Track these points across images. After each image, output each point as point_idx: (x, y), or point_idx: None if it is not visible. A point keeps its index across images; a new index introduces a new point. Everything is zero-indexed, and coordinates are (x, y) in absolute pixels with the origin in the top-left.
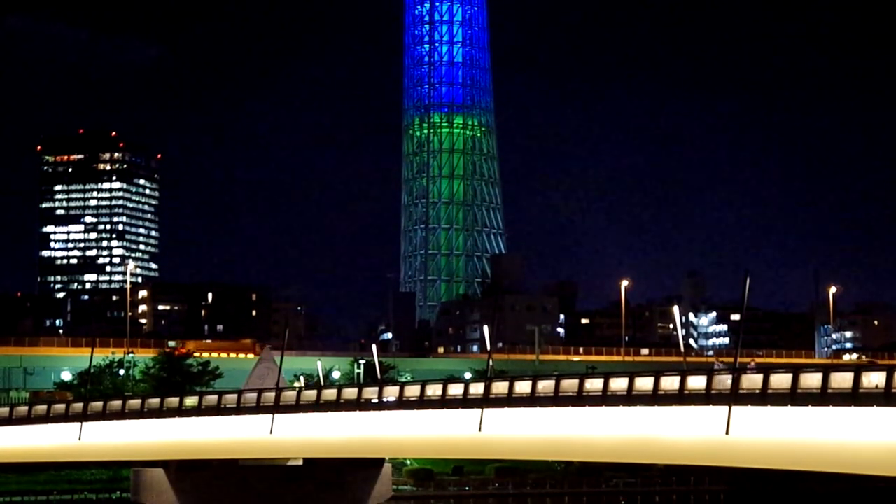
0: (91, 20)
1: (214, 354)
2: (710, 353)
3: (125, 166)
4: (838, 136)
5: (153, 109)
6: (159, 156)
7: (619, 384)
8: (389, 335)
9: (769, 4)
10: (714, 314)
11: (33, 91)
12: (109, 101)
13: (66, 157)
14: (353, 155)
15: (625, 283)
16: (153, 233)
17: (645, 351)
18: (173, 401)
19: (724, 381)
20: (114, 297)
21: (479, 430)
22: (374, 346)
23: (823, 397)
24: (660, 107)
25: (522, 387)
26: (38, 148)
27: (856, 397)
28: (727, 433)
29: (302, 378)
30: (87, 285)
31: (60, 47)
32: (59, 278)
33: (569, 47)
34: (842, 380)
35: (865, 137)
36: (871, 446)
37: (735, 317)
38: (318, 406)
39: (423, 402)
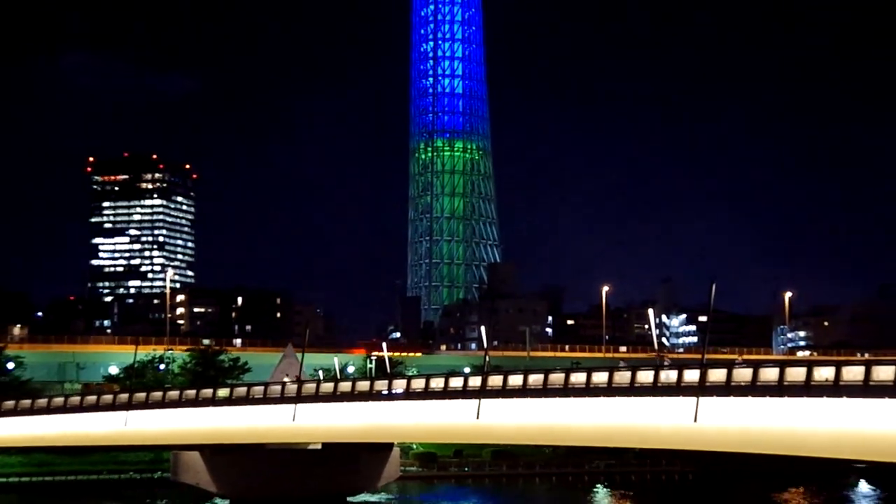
0: (137, 56)
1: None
2: (681, 349)
3: (165, 185)
4: (796, 159)
5: (190, 135)
6: (195, 176)
7: (600, 377)
8: (398, 334)
9: (741, 34)
10: (684, 316)
11: (85, 118)
12: (151, 128)
13: (112, 177)
14: (366, 175)
15: (605, 288)
16: (189, 244)
17: (623, 348)
18: (207, 392)
19: (691, 373)
20: (155, 301)
21: (477, 417)
22: (383, 344)
23: (780, 389)
24: (639, 132)
25: (515, 380)
26: (89, 169)
27: (808, 389)
28: (695, 421)
29: (321, 372)
30: (132, 290)
31: (109, 80)
32: (107, 284)
33: (557, 81)
34: (796, 374)
35: (819, 157)
36: (822, 432)
37: (702, 318)
38: (335, 397)
39: (427, 394)
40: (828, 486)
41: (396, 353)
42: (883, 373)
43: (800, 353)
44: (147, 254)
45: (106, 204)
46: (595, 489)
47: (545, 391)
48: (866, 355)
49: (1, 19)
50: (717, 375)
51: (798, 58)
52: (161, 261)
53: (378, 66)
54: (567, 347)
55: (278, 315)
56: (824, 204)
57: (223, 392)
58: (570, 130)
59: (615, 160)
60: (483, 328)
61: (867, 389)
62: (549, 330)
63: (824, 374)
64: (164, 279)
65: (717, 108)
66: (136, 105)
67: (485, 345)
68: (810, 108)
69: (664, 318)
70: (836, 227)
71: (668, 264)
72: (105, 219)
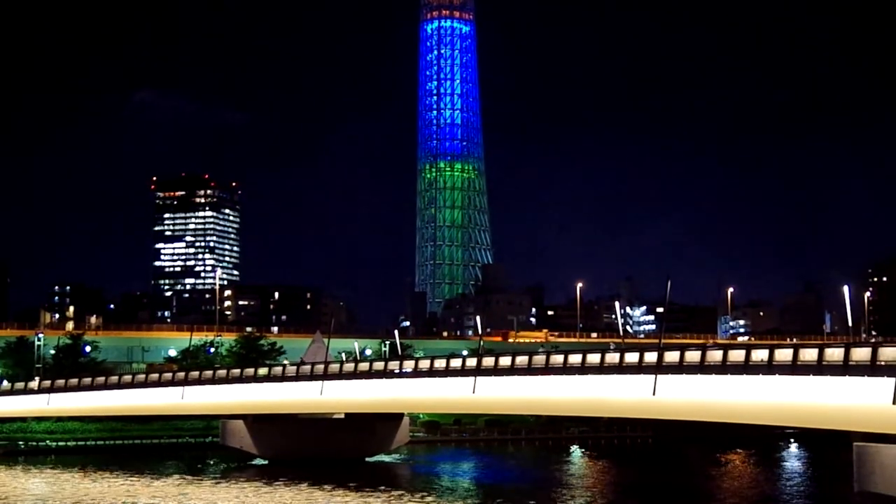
0: (195, 93)
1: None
2: (642, 335)
3: (215, 199)
4: (739, 178)
5: (237, 158)
6: (240, 192)
7: (575, 359)
8: (407, 323)
9: (696, 75)
10: (644, 307)
11: (150, 144)
12: (204, 152)
13: (172, 193)
14: (382, 191)
15: (579, 284)
16: (235, 248)
17: (594, 334)
18: (250, 371)
19: (650, 355)
20: (206, 295)
21: (473, 392)
22: (395, 331)
23: (724, 368)
24: (609, 153)
25: (504, 361)
26: (153, 187)
27: (747, 368)
28: (654, 394)
29: (343, 354)
30: (187, 287)
31: (171, 112)
32: (167, 282)
33: (539, 113)
34: (737, 355)
35: (757, 175)
36: (759, 403)
37: (659, 309)
38: (355, 375)
39: (431, 372)
40: (764, 449)
41: (406, 339)
42: (808, 354)
43: (740, 339)
44: (200, 256)
45: (166, 215)
46: (571, 451)
47: (530, 370)
48: (794, 340)
49: (83, 62)
50: (671, 357)
51: (740, 86)
52: (211, 262)
53: (391, 101)
54: (547, 333)
55: (308, 307)
56: (762, 213)
57: (263, 371)
58: (550, 153)
59: (588, 178)
60: (478, 318)
61: (795, 368)
62: (532, 319)
63: (760, 355)
64: (214, 277)
65: (673, 133)
66: (192, 133)
67: (479, 332)
68: (749, 130)
69: (628, 309)
70: (771, 233)
71: (631, 264)
72: (165, 228)
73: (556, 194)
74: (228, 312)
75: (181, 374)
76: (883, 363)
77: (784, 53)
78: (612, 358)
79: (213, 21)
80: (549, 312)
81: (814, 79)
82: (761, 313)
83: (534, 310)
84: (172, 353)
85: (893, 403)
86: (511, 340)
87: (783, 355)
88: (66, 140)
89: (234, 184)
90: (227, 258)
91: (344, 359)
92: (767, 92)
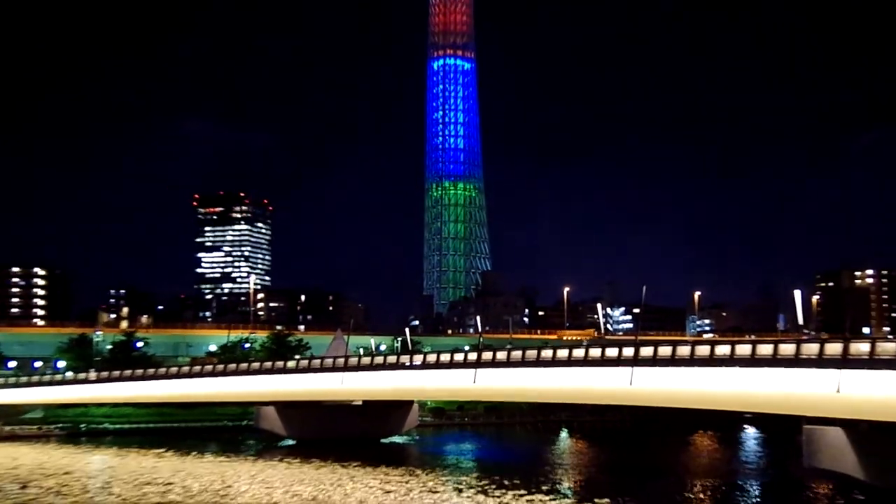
0: (232, 119)
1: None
2: (620, 333)
3: (249, 214)
4: (706, 198)
5: (268, 177)
6: (271, 208)
7: (562, 353)
8: (416, 322)
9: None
10: (623, 308)
11: (193, 166)
12: (240, 172)
13: (212, 209)
14: (393, 207)
15: (567, 288)
16: (267, 257)
17: (578, 333)
18: (280, 364)
19: (628, 350)
20: (242, 298)
21: (474, 382)
22: (406, 330)
23: (691, 361)
24: (595, 172)
25: (501, 355)
26: (195, 203)
27: (711, 361)
28: (631, 384)
29: (361, 350)
30: (225, 290)
31: (211, 136)
32: (207, 286)
33: (532, 138)
34: (703, 350)
35: (721, 192)
36: (722, 392)
37: (636, 310)
38: (372, 367)
39: (438, 364)
40: (725, 430)
41: (415, 336)
42: (764, 349)
43: (705, 336)
44: (236, 264)
45: (207, 228)
46: (559, 434)
47: (523, 363)
48: (752, 337)
49: (139, 94)
50: (646, 352)
51: (709, 112)
52: (246, 269)
53: (402, 128)
54: (539, 331)
55: (330, 308)
56: (726, 227)
57: (291, 363)
58: (542, 174)
59: (575, 195)
60: (478, 318)
61: (753, 361)
62: (525, 319)
63: (723, 350)
64: (248, 282)
65: (648, 160)
66: (229, 157)
67: (479, 330)
68: (713, 163)
69: (609, 310)
70: (733, 244)
71: (612, 270)
72: (206, 239)
73: (547, 210)
74: (261, 313)
75: (220, 367)
76: (828, 357)
77: (740, 87)
78: (595, 353)
79: (248, 60)
80: (540, 313)
81: (763, 111)
82: (724, 314)
83: (527, 310)
84: (213, 348)
85: (837, 392)
86: (507, 337)
87: (743, 350)
88: (123, 163)
89: (265, 201)
90: (259, 265)
91: (361, 353)
92: (730, 118)
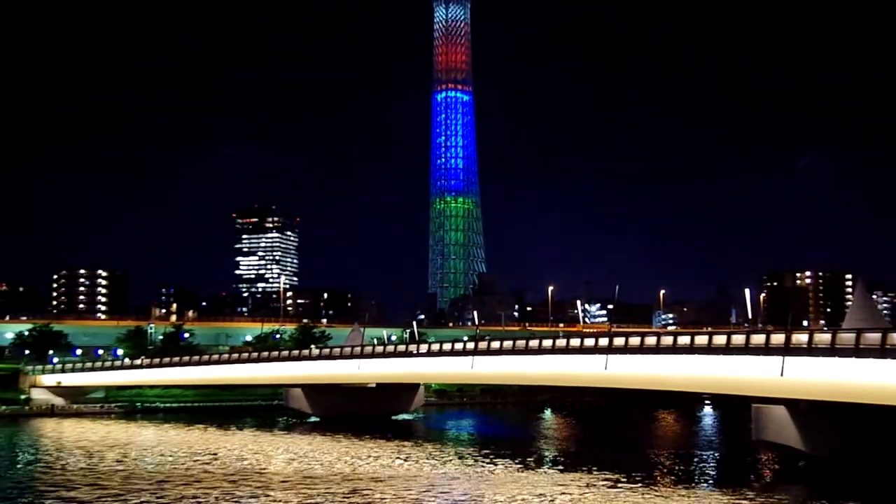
0: (264, 144)
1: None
2: (597, 325)
3: (280, 224)
4: (673, 208)
5: (295, 193)
6: (298, 219)
7: (547, 343)
8: (422, 316)
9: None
10: (599, 304)
11: (232, 183)
12: (272, 188)
13: (248, 220)
14: (403, 218)
15: (551, 287)
16: (295, 260)
17: (561, 324)
18: (306, 352)
19: (603, 340)
20: (273, 296)
21: (472, 367)
22: (413, 323)
23: (657, 350)
24: (576, 187)
25: (494, 344)
26: (234, 215)
27: (674, 349)
28: (606, 369)
29: (375, 340)
30: (259, 289)
31: (245, 159)
32: (244, 286)
33: (523, 159)
34: (667, 340)
35: (686, 205)
36: (683, 376)
37: (610, 306)
38: (384, 354)
39: (441, 353)
40: (686, 409)
41: (421, 328)
42: (719, 340)
43: (669, 328)
44: (268, 267)
45: (244, 236)
46: (544, 412)
47: (514, 351)
48: (709, 329)
49: (190, 122)
50: (619, 342)
51: (671, 136)
52: (277, 271)
53: (410, 150)
54: (527, 324)
55: (349, 304)
56: (688, 234)
57: (315, 352)
58: (530, 189)
59: (559, 207)
60: (475, 313)
61: (709, 349)
62: (515, 314)
63: (684, 340)
64: (279, 282)
65: (621, 176)
66: (262, 174)
67: (476, 323)
68: (676, 173)
69: (587, 306)
70: (693, 249)
71: (589, 272)
72: (243, 245)
73: (535, 220)
74: (290, 308)
75: (255, 354)
76: (773, 346)
77: (697, 105)
78: (575, 342)
79: (283, 97)
80: (528, 308)
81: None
82: (685, 309)
83: (516, 307)
84: (248, 338)
85: (781, 376)
86: (500, 329)
87: (701, 340)
88: (175, 182)
89: (293, 214)
90: (288, 268)
91: (375, 343)
92: (691, 140)
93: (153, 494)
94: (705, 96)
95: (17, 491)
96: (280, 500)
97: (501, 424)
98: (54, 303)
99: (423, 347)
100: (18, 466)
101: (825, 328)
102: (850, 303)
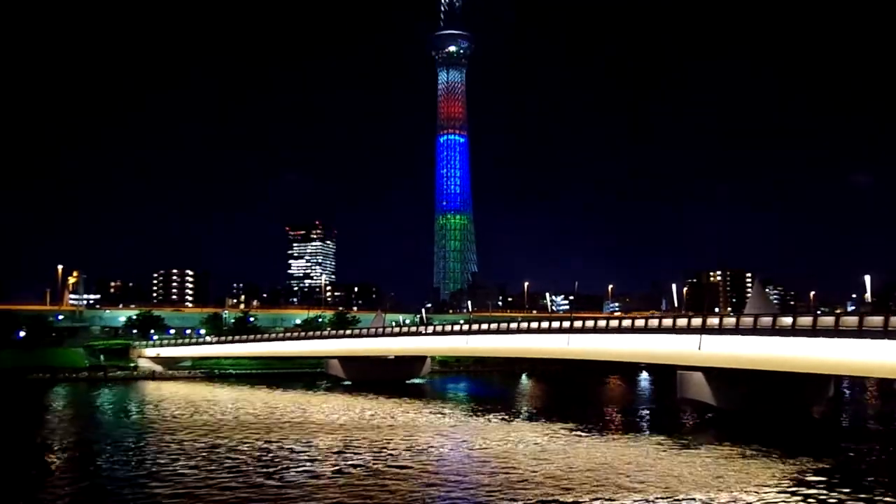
0: (309, 172)
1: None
2: (561, 312)
3: (321, 235)
4: (620, 223)
5: (334, 210)
6: (335, 231)
7: (523, 325)
8: (429, 305)
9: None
10: (563, 296)
11: (286, 204)
12: (315, 207)
13: (297, 232)
14: (414, 230)
15: (527, 283)
16: (332, 263)
17: (534, 311)
18: (342, 332)
19: (566, 323)
20: (317, 289)
21: (467, 343)
22: (423, 310)
23: (607, 330)
24: (546, 209)
25: (484, 326)
26: (287, 228)
27: (619, 330)
28: (568, 345)
29: (394, 322)
30: (306, 284)
31: (296, 183)
32: (294, 282)
33: (505, 186)
34: (614, 323)
35: (632, 217)
36: (626, 349)
37: (571, 297)
38: (400, 333)
39: (443, 333)
40: (628, 375)
41: (428, 314)
42: (652, 322)
43: (615, 314)
44: (313, 267)
45: (295, 244)
46: (521, 378)
47: (498, 331)
48: (646, 315)
49: (246, 156)
50: (578, 324)
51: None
52: (319, 271)
53: (420, 179)
54: (508, 311)
55: (374, 296)
56: (629, 242)
57: (348, 332)
58: (511, 207)
59: (533, 222)
60: (469, 302)
61: (646, 329)
62: (500, 303)
63: (626, 323)
64: (321, 279)
65: (578, 198)
66: (308, 196)
67: (469, 310)
68: (624, 191)
69: (554, 297)
70: (633, 252)
71: (556, 271)
72: (294, 251)
73: (515, 232)
74: (329, 299)
75: (302, 333)
76: (693, 327)
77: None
78: (545, 325)
79: (325, 134)
80: (509, 299)
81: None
82: (627, 300)
83: (500, 298)
84: (298, 321)
85: (699, 349)
86: (488, 315)
87: (639, 323)
88: (244, 203)
89: (331, 227)
90: (328, 268)
91: (393, 325)
92: (630, 175)
93: (232, 432)
94: (651, 146)
95: (133, 429)
96: (322, 440)
97: (489, 387)
98: (154, 294)
99: (430, 329)
100: (133, 414)
101: (731, 314)
102: (749, 295)
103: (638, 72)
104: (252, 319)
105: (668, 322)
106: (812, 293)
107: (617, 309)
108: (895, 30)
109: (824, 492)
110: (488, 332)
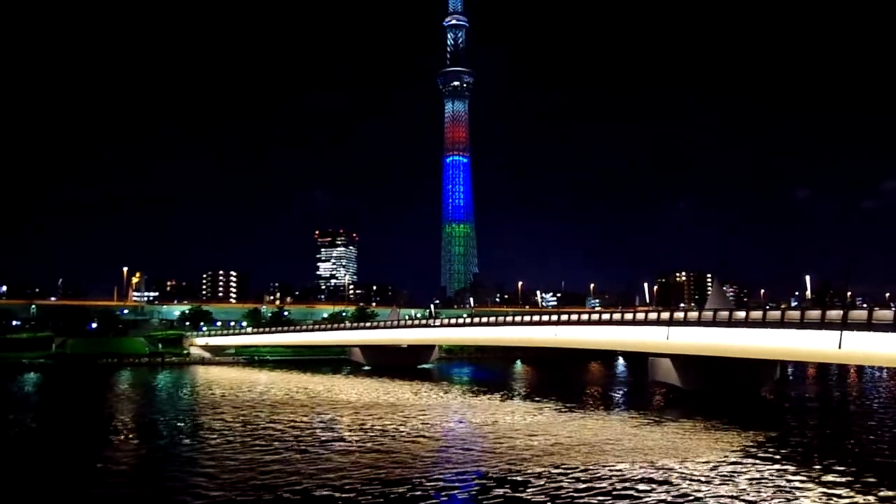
0: (333, 187)
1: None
2: (550, 307)
3: (345, 241)
4: (598, 229)
5: (355, 220)
6: (356, 237)
7: (518, 319)
8: (437, 301)
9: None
10: (552, 293)
11: (313, 215)
12: (338, 217)
13: (324, 238)
14: (425, 237)
15: (520, 283)
16: (354, 265)
17: (527, 307)
18: (363, 324)
19: (554, 316)
20: (340, 288)
21: (470, 334)
22: (432, 306)
23: (589, 322)
24: (539, 217)
25: (484, 320)
26: (315, 235)
27: (600, 322)
28: (556, 335)
29: (407, 316)
30: (332, 283)
31: (320, 198)
32: (322, 282)
33: (502, 200)
34: (595, 317)
35: (609, 220)
36: (605, 339)
37: (559, 294)
38: (413, 326)
39: (449, 325)
40: (607, 360)
41: (437, 309)
42: (628, 316)
43: (596, 309)
44: (337, 269)
45: (322, 249)
46: (516, 363)
47: (496, 324)
48: (622, 310)
49: (289, 171)
50: (564, 318)
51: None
52: (343, 271)
53: (429, 193)
54: (505, 307)
55: (390, 294)
56: (609, 245)
57: (368, 324)
58: (507, 218)
59: (526, 230)
60: (471, 299)
61: (622, 322)
62: (497, 300)
63: (606, 317)
64: (344, 279)
65: (566, 206)
66: (330, 209)
67: (472, 305)
68: (605, 196)
69: (544, 294)
70: (613, 254)
71: (546, 271)
72: (322, 255)
73: (511, 239)
74: (351, 296)
75: (329, 325)
76: (663, 320)
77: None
78: (536, 318)
79: (347, 157)
80: (506, 296)
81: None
82: (607, 296)
83: (498, 295)
84: (325, 315)
85: (667, 339)
86: (487, 309)
87: (616, 317)
88: (279, 214)
89: (353, 234)
90: (350, 270)
91: (407, 318)
92: (610, 181)
93: (270, 410)
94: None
95: (187, 407)
96: (347, 415)
97: (488, 371)
98: (203, 291)
99: (438, 322)
100: (186, 394)
101: (695, 308)
102: (710, 292)
103: (611, 99)
104: (286, 313)
105: (641, 316)
106: (762, 291)
107: (597, 304)
108: (835, 63)
109: (772, 457)
110: (488, 324)
